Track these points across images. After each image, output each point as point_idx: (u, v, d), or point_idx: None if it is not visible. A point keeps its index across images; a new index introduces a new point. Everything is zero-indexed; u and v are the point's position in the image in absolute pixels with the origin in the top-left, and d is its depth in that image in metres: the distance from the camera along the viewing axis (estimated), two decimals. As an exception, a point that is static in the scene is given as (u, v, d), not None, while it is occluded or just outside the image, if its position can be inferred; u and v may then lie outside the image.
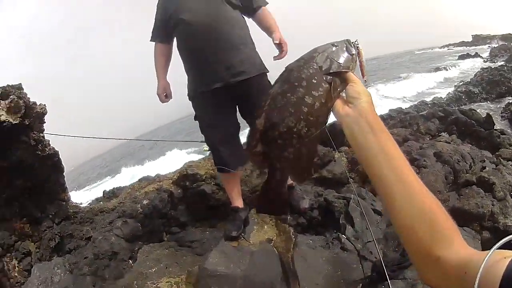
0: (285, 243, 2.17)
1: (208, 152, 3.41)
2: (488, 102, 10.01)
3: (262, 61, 2.19)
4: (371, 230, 2.02)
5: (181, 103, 2.40)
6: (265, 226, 2.26)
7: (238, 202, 2.29)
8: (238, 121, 2.23)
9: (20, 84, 2.38)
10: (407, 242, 0.53)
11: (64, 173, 2.76)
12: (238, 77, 2.02)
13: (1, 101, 2.22)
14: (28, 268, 2.31)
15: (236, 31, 2.05)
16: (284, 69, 0.70)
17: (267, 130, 0.67)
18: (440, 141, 3.62)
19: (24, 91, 2.38)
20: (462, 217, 2.54)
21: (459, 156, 3.16)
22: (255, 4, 2.17)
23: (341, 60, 0.67)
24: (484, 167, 3.12)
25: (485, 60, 22.21)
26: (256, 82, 2.09)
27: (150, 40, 2.26)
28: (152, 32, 2.24)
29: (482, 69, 13.64)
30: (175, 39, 2.17)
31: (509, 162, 3.44)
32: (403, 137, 3.54)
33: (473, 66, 20.16)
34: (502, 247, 0.43)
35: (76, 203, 3.01)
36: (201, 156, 3.78)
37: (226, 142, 2.15)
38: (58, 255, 2.46)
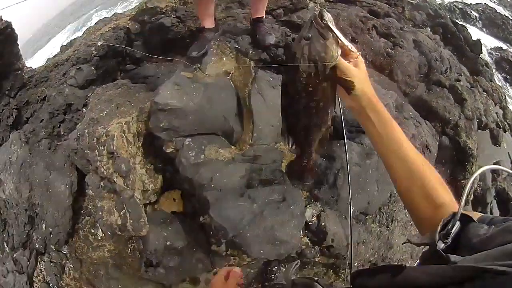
0: (243, 77, 1.99)
1: None
2: (484, 32, 8.99)
3: None
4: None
5: None
6: (224, 58, 2.02)
7: (208, 22, 2.06)
8: None
9: None
10: (406, 203, 0.70)
11: (17, 42, 2.48)
12: None
13: None
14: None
15: None
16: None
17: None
18: (423, 33, 3.38)
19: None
20: (427, 111, 2.53)
21: (438, 55, 3.02)
22: None
23: (321, 54, 0.65)
24: (459, 80, 3.00)
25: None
26: None
27: None
28: None
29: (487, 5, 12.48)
30: None
31: (484, 93, 3.41)
32: (385, 11, 3.22)
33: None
34: None
35: (30, 67, 2.72)
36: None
37: None
38: (16, 130, 2.33)
